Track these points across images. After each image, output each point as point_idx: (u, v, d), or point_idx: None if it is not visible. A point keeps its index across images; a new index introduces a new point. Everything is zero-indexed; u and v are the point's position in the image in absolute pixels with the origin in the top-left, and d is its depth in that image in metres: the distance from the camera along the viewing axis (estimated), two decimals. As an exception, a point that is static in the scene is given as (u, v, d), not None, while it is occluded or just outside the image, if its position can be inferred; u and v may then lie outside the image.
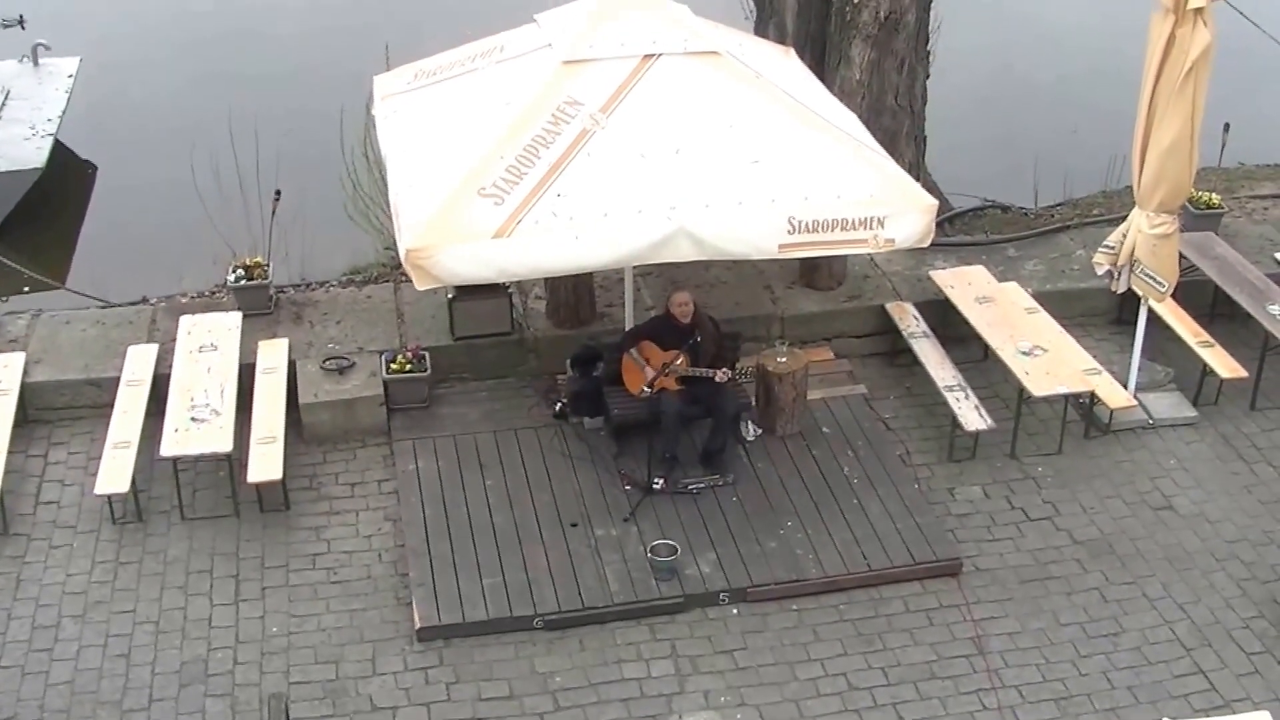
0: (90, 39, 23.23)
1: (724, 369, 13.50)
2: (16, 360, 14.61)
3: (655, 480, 13.43)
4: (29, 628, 12.32)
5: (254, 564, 12.99)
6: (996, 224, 17.83)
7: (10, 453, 13.54)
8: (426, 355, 14.63)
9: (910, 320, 15.45)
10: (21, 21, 22.76)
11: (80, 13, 25.01)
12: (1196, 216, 16.77)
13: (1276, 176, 19.26)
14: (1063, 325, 15.14)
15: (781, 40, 16.71)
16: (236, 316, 15.08)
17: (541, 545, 12.93)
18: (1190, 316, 15.37)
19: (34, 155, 19.90)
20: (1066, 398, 14.37)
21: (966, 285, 15.71)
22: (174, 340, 14.79)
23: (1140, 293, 14.41)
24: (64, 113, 21.06)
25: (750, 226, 12.19)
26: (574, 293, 15.22)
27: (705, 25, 13.59)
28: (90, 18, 24.83)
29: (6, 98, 21.10)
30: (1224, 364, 14.77)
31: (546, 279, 15.10)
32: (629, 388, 13.70)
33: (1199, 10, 12.86)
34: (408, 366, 14.52)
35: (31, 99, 21.26)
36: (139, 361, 14.57)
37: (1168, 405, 14.99)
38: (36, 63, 22.12)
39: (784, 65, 14.64)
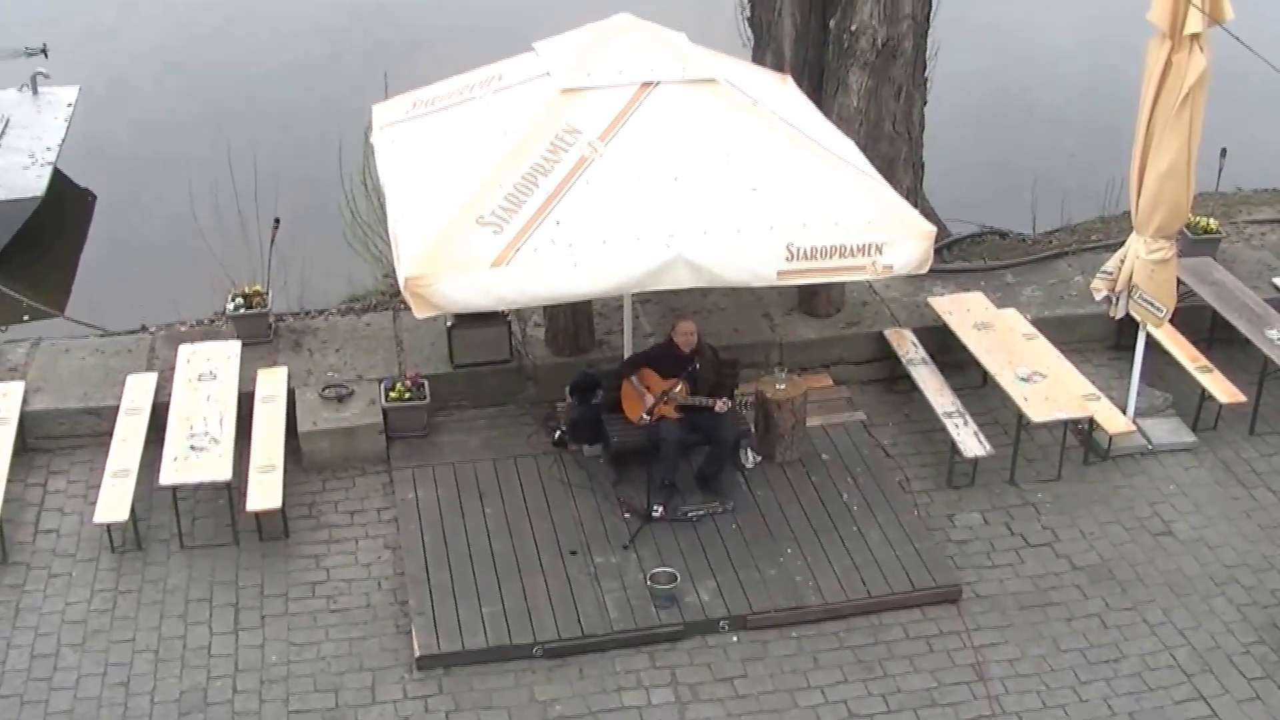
0: (89, 67, 23.30)
1: (723, 399, 13.52)
2: (16, 389, 14.62)
3: (654, 508, 13.42)
4: (28, 656, 12.28)
5: (253, 592, 12.97)
6: (995, 250, 17.84)
7: (10, 481, 13.53)
8: (425, 383, 14.63)
9: (909, 347, 15.46)
10: (45, 50, 22.84)
11: (80, 41, 25.08)
12: (1194, 241, 16.78)
13: (1274, 201, 19.32)
14: (1061, 351, 15.15)
15: (779, 68, 16.75)
16: (235, 345, 15.07)
17: (541, 573, 12.91)
18: (1189, 342, 15.40)
19: (33, 184, 19.97)
20: (1065, 423, 14.38)
21: (965, 311, 15.72)
22: (173, 369, 14.78)
23: (1139, 318, 14.42)
24: (63, 141, 21.11)
25: (749, 254, 12.21)
26: (573, 320, 15.23)
27: (703, 53, 13.63)
28: (89, 46, 24.90)
29: (6, 126, 21.17)
30: (1223, 389, 14.78)
31: (545, 307, 15.09)
32: (628, 415, 13.70)
33: (1195, 36, 12.88)
34: (407, 394, 14.51)
35: (31, 128, 21.34)
36: (138, 390, 14.57)
37: (1167, 430, 14.99)
38: (36, 91, 22.21)
39: (782, 93, 14.67)
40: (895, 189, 13.63)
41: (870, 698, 11.98)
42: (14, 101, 21.95)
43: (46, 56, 22.74)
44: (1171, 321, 14.69)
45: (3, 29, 23.87)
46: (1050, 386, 14.44)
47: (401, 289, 12.05)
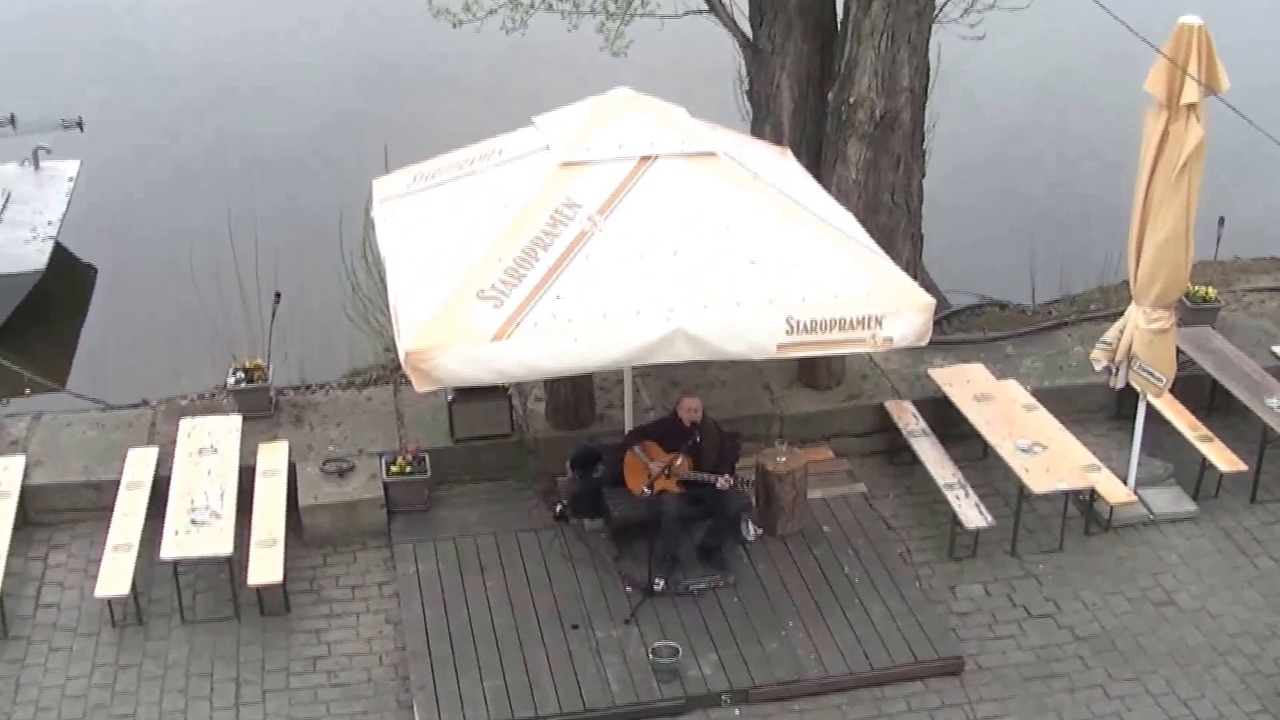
0: (90, 141, 23.41)
1: (725, 475, 13.52)
2: (17, 463, 14.64)
3: (656, 581, 13.39)
4: (29, 732, 12.25)
5: (254, 667, 12.94)
6: (994, 321, 17.87)
7: (10, 555, 13.54)
8: (426, 457, 14.64)
9: (909, 419, 15.48)
10: (80, 124, 23.00)
11: (81, 112, 25.26)
12: (1193, 310, 16.84)
13: (1272, 269, 19.36)
14: (1062, 422, 15.17)
15: (778, 140, 16.83)
16: (236, 419, 15.09)
17: (543, 647, 12.87)
18: (1189, 411, 15.42)
19: (35, 258, 20.04)
20: (1066, 494, 14.37)
21: (965, 383, 15.75)
22: (174, 443, 14.79)
23: (1138, 388, 14.43)
24: (64, 215, 21.19)
25: (748, 327, 12.22)
26: (573, 394, 15.25)
27: (702, 127, 13.69)
28: (90, 118, 25.03)
29: (8, 200, 21.26)
30: (1223, 458, 14.80)
31: (546, 380, 15.12)
32: (630, 486, 13.69)
33: (1191, 106, 12.98)
34: (408, 469, 14.52)
35: (32, 202, 21.42)
36: (139, 464, 14.58)
37: (1168, 500, 14.98)
38: (37, 166, 22.30)
39: (781, 165, 14.72)
40: (894, 261, 13.65)
41: (874, 771, 11.95)
42: (16, 176, 22.05)
43: (82, 130, 22.90)
44: (1171, 391, 14.68)
45: (8, 103, 24.02)
46: (1051, 457, 14.45)
47: (402, 363, 12.05)
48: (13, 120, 23.02)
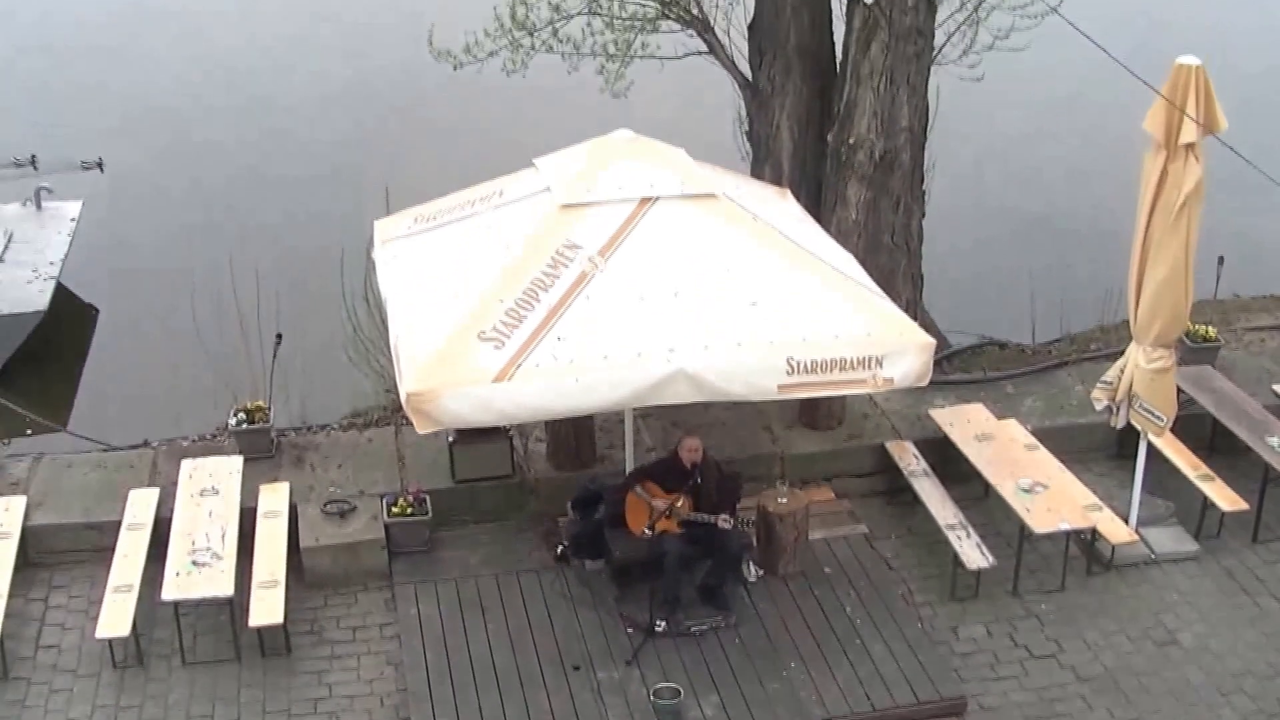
0: (93, 179, 23.52)
1: (725, 515, 13.52)
2: (18, 504, 14.62)
3: (657, 622, 13.37)
4: (29, 775, 12.24)
5: (255, 709, 12.92)
6: (994, 361, 17.88)
7: (11, 596, 13.51)
8: (427, 498, 14.64)
9: (910, 459, 15.49)
10: (101, 165, 23.14)
11: (82, 152, 25.36)
12: (1193, 349, 16.87)
13: (1272, 307, 19.40)
14: (1063, 461, 15.17)
15: (778, 181, 16.91)
16: (238, 460, 15.11)
17: (544, 688, 12.84)
18: (1190, 450, 15.43)
19: (36, 298, 20.11)
20: (1068, 534, 14.37)
21: (966, 423, 15.76)
22: (175, 484, 14.80)
23: (1139, 427, 14.44)
24: (66, 256, 21.24)
25: (749, 368, 12.26)
26: (574, 435, 15.26)
27: (702, 168, 13.76)
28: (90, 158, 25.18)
29: (9, 241, 21.34)
30: (1225, 497, 14.80)
31: (547, 421, 15.12)
32: (632, 527, 13.68)
33: (1190, 145, 13.02)
34: (409, 510, 14.52)
35: (34, 242, 21.52)
36: (140, 505, 14.57)
37: (1170, 539, 14.98)
38: (39, 206, 22.41)
39: (781, 206, 14.79)
40: (894, 301, 13.70)
41: (876, 813, 11.93)
42: (18, 216, 22.15)
43: (102, 170, 23.03)
44: (1172, 430, 14.69)
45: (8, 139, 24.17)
46: (1052, 497, 14.46)
47: (404, 404, 12.08)
48: (34, 161, 23.22)
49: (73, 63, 30.87)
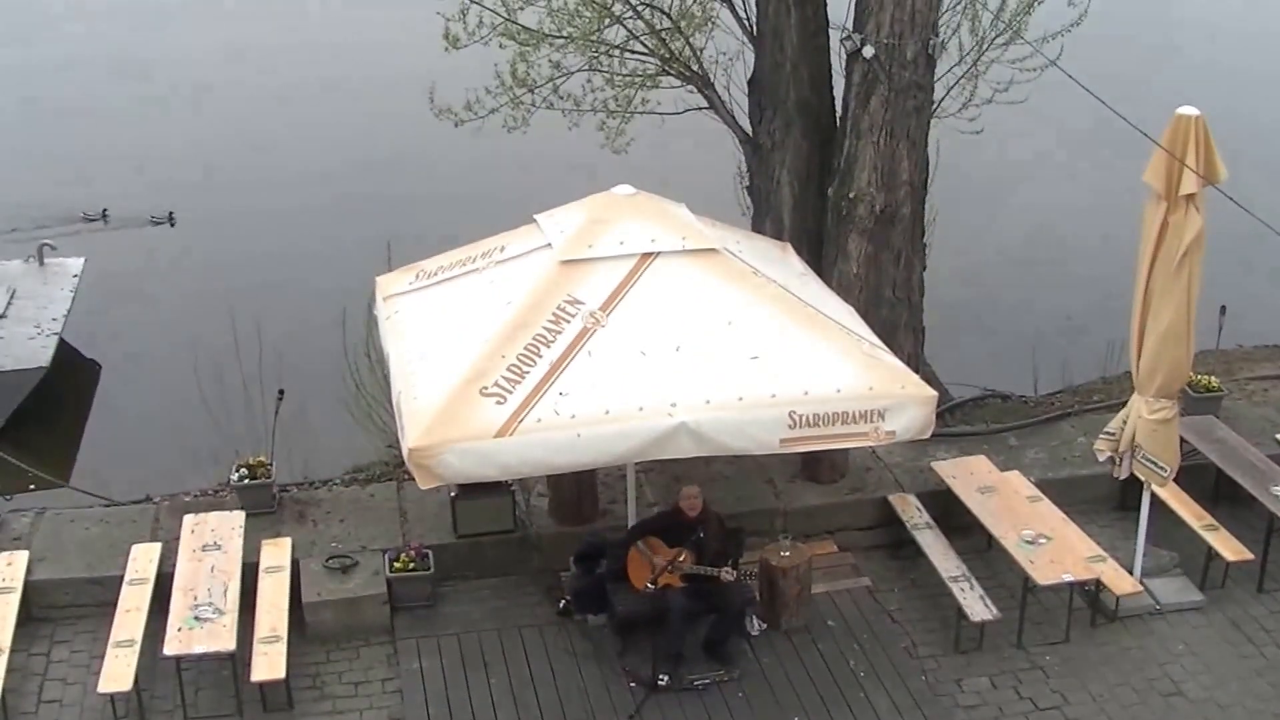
0: (95, 237, 23.67)
1: (728, 568, 13.53)
2: (20, 558, 14.62)
3: (660, 677, 13.37)
4: (30, 832, 12.22)
5: (257, 765, 12.92)
6: (997, 413, 17.93)
7: (13, 651, 13.49)
8: (429, 553, 14.65)
9: (913, 512, 15.50)
10: (172, 219, 23.34)
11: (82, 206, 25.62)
12: (1196, 400, 16.90)
13: (1275, 357, 19.48)
14: (1066, 513, 15.17)
15: (779, 235, 16.95)
16: (240, 515, 15.11)
17: (547, 744, 12.85)
18: (1194, 500, 15.44)
19: (39, 354, 20.15)
20: (1072, 585, 14.32)
21: (968, 475, 15.77)
22: (177, 539, 14.78)
23: (1143, 478, 14.45)
24: (69, 312, 21.31)
25: (751, 422, 12.28)
26: (576, 490, 15.27)
27: (703, 223, 13.82)
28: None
29: (13, 297, 21.40)
30: (1229, 547, 14.80)
31: (549, 476, 15.14)
32: (634, 582, 13.68)
33: (1190, 196, 13.06)
34: (411, 565, 14.53)
35: (37, 298, 21.57)
36: (142, 560, 14.56)
37: (1174, 590, 14.97)
38: (42, 262, 22.48)
39: (782, 260, 14.85)
40: (896, 354, 13.72)
41: None
42: (21, 272, 22.23)
43: (173, 225, 23.20)
44: (1176, 480, 14.68)
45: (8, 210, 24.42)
46: (1056, 549, 14.45)
47: (406, 460, 12.10)
48: (104, 215, 23.36)
49: (60, 117, 31.16)
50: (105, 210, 24.10)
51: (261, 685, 13.26)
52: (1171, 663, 14.12)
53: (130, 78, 33.79)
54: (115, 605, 13.93)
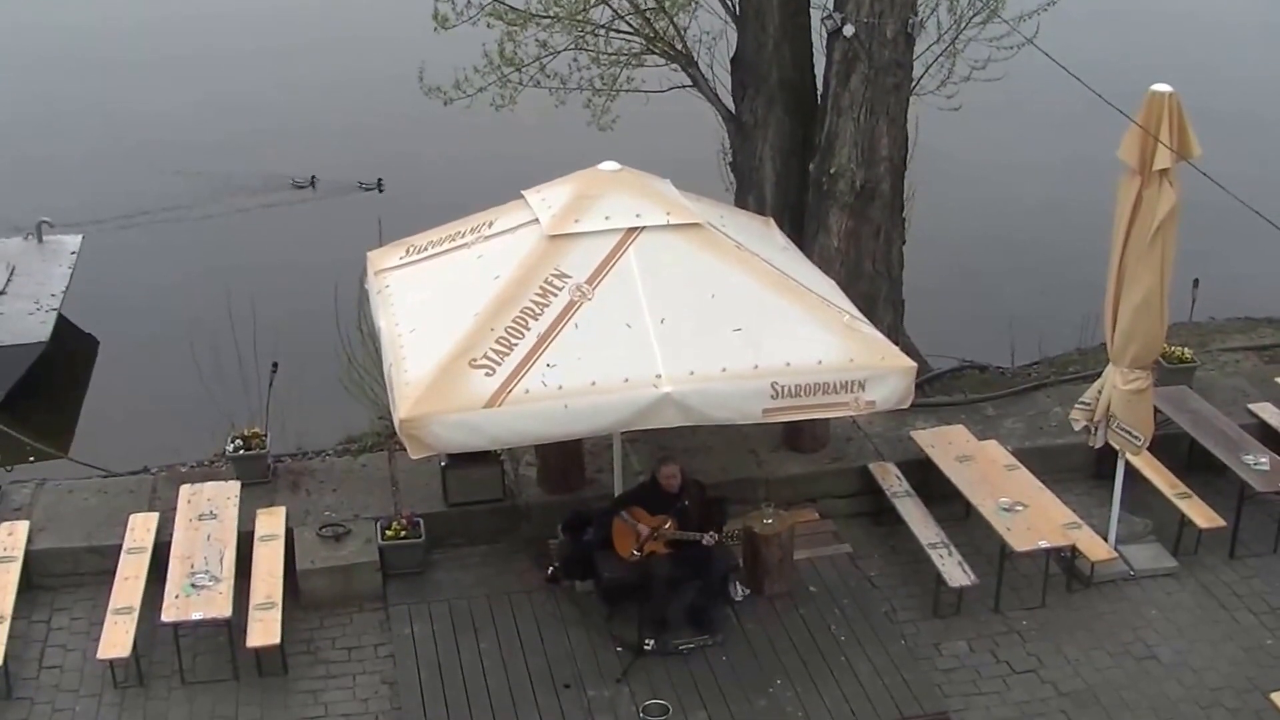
0: (91, 213, 23.78)
1: (711, 532, 13.71)
2: (21, 528, 14.77)
3: (646, 642, 13.51)
4: (32, 794, 12.35)
5: (253, 728, 13.08)
6: (975, 384, 18.07)
7: (14, 618, 13.66)
8: (421, 522, 14.78)
9: (893, 480, 15.66)
10: (380, 185, 23.47)
11: (80, 189, 25.63)
12: (1170, 371, 17.08)
13: (1246, 329, 19.65)
14: (1042, 481, 15.31)
15: (761, 211, 17.13)
16: (235, 485, 15.25)
17: (536, 707, 12.98)
18: (1167, 469, 15.63)
19: (38, 329, 20.31)
20: (1048, 552, 14.48)
21: (947, 444, 15.95)
22: (174, 509, 14.91)
23: (1117, 447, 14.64)
24: (67, 288, 21.45)
25: (734, 393, 12.48)
26: (564, 459, 15.40)
27: (687, 198, 13.97)
28: (88, 194, 25.41)
29: (12, 274, 21.52)
30: (1202, 514, 14.97)
31: (537, 446, 15.30)
32: (619, 551, 13.86)
33: (1164, 171, 13.20)
34: (402, 533, 14.66)
35: (36, 275, 21.72)
36: (140, 529, 14.70)
37: (1148, 556, 15.15)
38: (41, 239, 22.59)
39: (764, 235, 15.00)
40: (876, 326, 13.90)
41: (860, 826, 12.04)
42: (20, 249, 22.35)
43: (381, 191, 23.37)
44: (1150, 449, 14.86)
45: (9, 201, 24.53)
46: (1032, 516, 14.63)
47: (397, 431, 12.30)
48: (313, 181, 23.44)
49: (53, 102, 31.22)
50: (313, 177, 24.20)
51: (257, 651, 13.39)
52: (1145, 627, 14.29)
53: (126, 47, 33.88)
54: (114, 574, 14.07)
